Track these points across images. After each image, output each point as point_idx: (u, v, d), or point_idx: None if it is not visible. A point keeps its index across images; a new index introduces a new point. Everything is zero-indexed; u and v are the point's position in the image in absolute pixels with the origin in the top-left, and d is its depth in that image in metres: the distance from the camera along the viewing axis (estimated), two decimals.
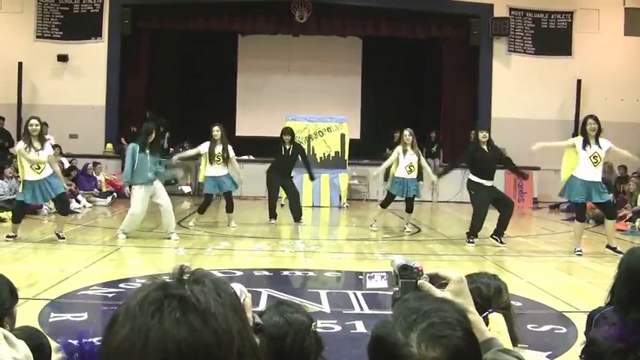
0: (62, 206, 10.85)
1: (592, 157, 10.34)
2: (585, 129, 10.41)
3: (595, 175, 10.42)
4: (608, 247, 10.51)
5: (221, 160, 12.56)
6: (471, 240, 11.20)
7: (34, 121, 10.42)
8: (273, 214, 13.61)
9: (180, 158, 14.30)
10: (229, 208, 12.95)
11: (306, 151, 14.70)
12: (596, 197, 10.48)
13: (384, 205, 13.06)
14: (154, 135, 11.12)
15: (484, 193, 11.20)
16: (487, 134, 11.34)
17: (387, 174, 13.62)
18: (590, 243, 11.45)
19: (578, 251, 10.46)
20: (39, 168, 10.25)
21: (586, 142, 10.37)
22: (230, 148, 12.73)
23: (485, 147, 11.29)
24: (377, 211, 13.42)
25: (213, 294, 1.16)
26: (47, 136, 17.77)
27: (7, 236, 10.35)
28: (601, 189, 10.48)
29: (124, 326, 1.13)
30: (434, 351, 1.40)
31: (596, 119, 10.39)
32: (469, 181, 11.47)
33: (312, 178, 14.21)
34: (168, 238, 10.97)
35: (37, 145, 10.27)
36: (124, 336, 1.12)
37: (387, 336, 1.45)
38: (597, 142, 10.39)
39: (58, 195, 10.53)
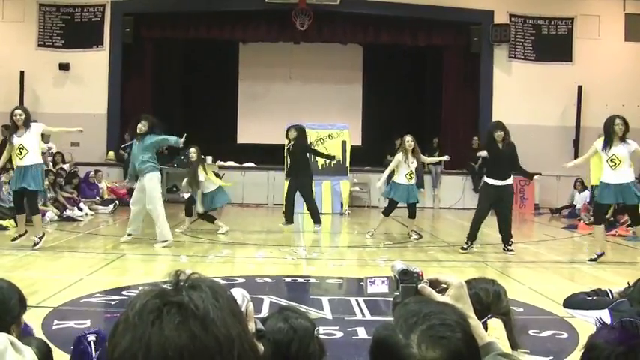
0: (28, 204, 10.52)
1: (609, 161, 10.01)
2: (614, 129, 9.98)
3: (617, 177, 10.02)
4: None
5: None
6: (464, 245, 11.14)
7: (17, 111, 10.40)
8: (287, 219, 13.52)
9: None
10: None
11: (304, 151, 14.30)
12: (628, 199, 10.08)
13: (387, 213, 12.88)
14: (145, 126, 11.05)
15: (485, 193, 11.06)
16: (501, 133, 10.92)
17: (388, 180, 13.49)
18: (592, 248, 11.44)
19: (598, 255, 10.23)
20: (21, 153, 10.17)
21: (606, 144, 10.04)
22: (199, 170, 12.75)
23: (500, 145, 10.94)
24: (379, 220, 13.18)
25: (210, 299, 1.17)
26: (49, 145, 17.98)
27: (14, 239, 10.45)
28: (634, 191, 10.03)
29: (124, 336, 1.14)
30: (434, 351, 1.42)
31: (623, 119, 10.02)
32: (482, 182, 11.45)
33: (331, 158, 14.89)
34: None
35: (21, 132, 10.23)
36: (125, 346, 1.13)
37: (388, 338, 1.48)
38: (623, 143, 9.98)
39: (26, 191, 10.24)
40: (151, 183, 11.01)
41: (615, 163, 10.02)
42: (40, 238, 10.36)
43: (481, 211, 11.17)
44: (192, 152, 12.82)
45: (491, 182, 10.99)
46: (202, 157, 13.25)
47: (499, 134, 10.96)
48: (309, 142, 18.28)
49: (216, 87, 22.56)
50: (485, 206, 11.15)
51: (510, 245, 11.02)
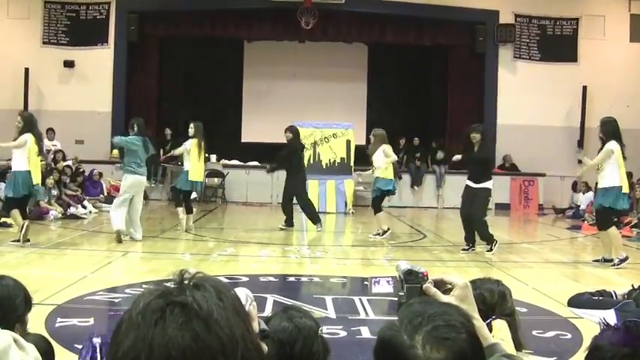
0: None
1: None
2: None
3: (600, 181, 10.25)
4: None
5: None
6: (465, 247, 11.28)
7: (18, 117, 10.69)
8: (287, 222, 13.52)
9: None
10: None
11: (294, 152, 13.85)
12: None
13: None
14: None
15: (463, 193, 11.22)
16: (476, 135, 10.98)
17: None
18: (596, 249, 11.44)
19: (621, 259, 10.02)
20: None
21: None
22: (193, 142, 12.82)
23: (475, 147, 11.04)
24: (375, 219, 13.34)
25: (214, 299, 1.16)
26: (53, 142, 18.01)
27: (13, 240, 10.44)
28: (601, 196, 10.17)
29: (127, 336, 1.13)
30: (438, 353, 1.42)
31: (601, 121, 10.38)
32: None
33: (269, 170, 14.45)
34: None
35: None
36: (128, 346, 1.12)
37: (392, 338, 1.48)
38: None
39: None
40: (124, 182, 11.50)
41: (598, 168, 10.23)
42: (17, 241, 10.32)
43: (462, 210, 11.32)
44: (190, 128, 12.74)
45: (467, 182, 11.15)
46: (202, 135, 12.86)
47: (473, 135, 11.03)
48: (314, 141, 18.37)
49: (221, 85, 22.56)
50: (462, 203, 11.29)
51: (469, 249, 11.07)
